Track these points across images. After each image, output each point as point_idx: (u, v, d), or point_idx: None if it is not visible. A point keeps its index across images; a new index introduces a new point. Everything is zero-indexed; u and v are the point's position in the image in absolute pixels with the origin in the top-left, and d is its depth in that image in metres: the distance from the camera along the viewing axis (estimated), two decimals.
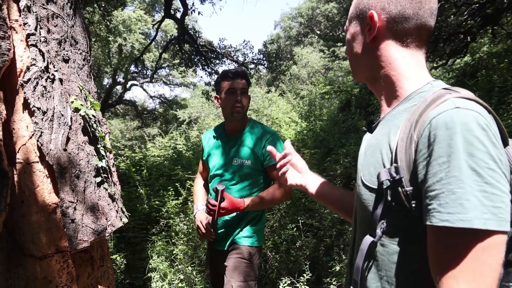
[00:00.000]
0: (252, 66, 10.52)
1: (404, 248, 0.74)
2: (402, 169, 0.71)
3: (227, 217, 2.02)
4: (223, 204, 1.83)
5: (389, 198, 0.73)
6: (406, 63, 0.83)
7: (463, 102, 0.66)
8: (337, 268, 2.66)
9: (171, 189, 4.56)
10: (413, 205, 0.69)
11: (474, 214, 0.59)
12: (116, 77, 19.08)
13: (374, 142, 0.84)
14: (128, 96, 22.28)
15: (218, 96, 2.11)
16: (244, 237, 2.01)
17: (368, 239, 0.77)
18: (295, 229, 3.37)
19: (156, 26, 10.10)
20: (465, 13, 6.76)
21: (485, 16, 6.23)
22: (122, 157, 7.81)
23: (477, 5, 6.34)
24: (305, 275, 2.73)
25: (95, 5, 9.07)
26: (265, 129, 2.08)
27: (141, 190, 4.82)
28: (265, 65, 10.79)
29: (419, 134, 0.68)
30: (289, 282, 2.79)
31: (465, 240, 0.61)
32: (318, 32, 25.36)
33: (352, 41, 0.91)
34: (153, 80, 20.49)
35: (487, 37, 7.97)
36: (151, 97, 21.81)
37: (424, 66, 0.84)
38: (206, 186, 2.31)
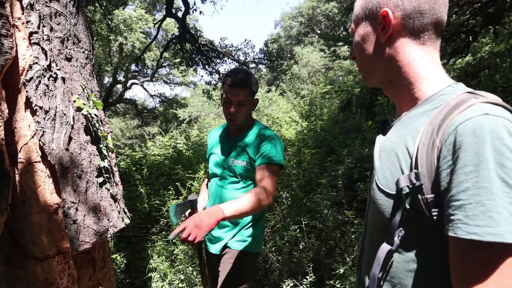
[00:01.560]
0: (253, 65, 10.50)
1: (421, 257, 0.71)
2: (422, 175, 0.68)
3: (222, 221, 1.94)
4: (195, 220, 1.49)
5: (407, 205, 0.70)
6: (424, 63, 0.79)
7: (491, 108, 0.63)
8: (341, 270, 2.63)
9: (172, 188, 4.54)
10: (434, 213, 0.67)
11: (505, 228, 0.56)
12: (117, 76, 19.07)
13: (388, 145, 0.81)
14: (128, 95, 22.33)
15: (222, 95, 1.99)
16: (238, 242, 1.94)
17: (385, 247, 0.74)
18: (298, 230, 3.35)
19: (157, 25, 10.08)
20: (467, 12, 6.74)
21: (487, 15, 6.21)
22: (122, 155, 7.80)
23: (479, 4, 6.32)
24: (308, 277, 2.70)
25: (97, 4, 9.05)
26: (265, 132, 1.98)
27: (141, 189, 4.80)
28: (266, 64, 10.77)
29: (443, 139, 0.65)
30: (292, 284, 2.77)
31: (492, 254, 0.58)
32: (319, 31, 25.33)
33: (362, 43, 0.86)
34: (153, 79, 20.48)
35: (489, 37, 7.95)
36: (151, 96, 21.79)
37: (440, 65, 0.81)
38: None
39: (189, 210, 1.78)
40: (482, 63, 7.96)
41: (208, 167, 2.30)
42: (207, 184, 2.27)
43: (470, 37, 6.90)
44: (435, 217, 0.66)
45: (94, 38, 11.30)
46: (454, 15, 6.59)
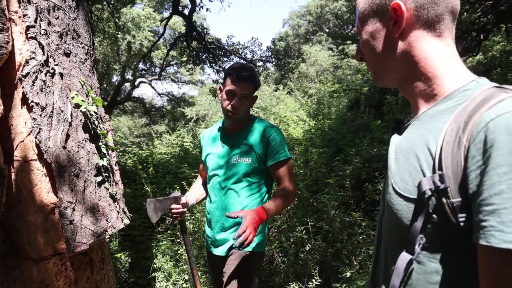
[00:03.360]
0: (260, 63, 10.44)
1: (445, 267, 0.65)
2: (447, 177, 0.61)
3: (225, 222, 1.93)
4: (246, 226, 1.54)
5: (430, 210, 0.64)
6: (442, 57, 0.73)
7: None
8: (348, 274, 2.57)
9: (177, 187, 4.51)
10: (461, 219, 0.60)
11: None
12: (125, 74, 19.14)
13: (406, 145, 0.74)
14: (136, 93, 22.35)
15: (221, 89, 1.97)
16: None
17: (405, 257, 0.68)
18: (304, 231, 3.29)
19: (164, 22, 10.07)
20: (478, 10, 6.61)
21: (499, 13, 6.08)
22: (130, 154, 7.81)
23: (490, 2, 6.19)
24: (314, 280, 2.64)
25: (104, 2, 9.06)
26: (266, 125, 1.96)
27: (147, 188, 4.79)
28: (273, 63, 10.70)
29: (471, 137, 0.59)
30: (297, 287, 2.71)
31: None
32: (327, 30, 25.18)
33: (372, 41, 0.80)
34: (161, 78, 20.53)
35: (501, 35, 7.79)
36: (159, 94, 21.88)
37: (459, 57, 0.75)
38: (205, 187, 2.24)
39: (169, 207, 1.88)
40: (494, 62, 7.82)
41: (200, 168, 2.27)
42: (204, 184, 2.23)
43: (482, 35, 6.78)
44: (462, 223, 0.60)
45: (102, 37, 11.35)
46: (465, 13, 6.46)
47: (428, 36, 0.74)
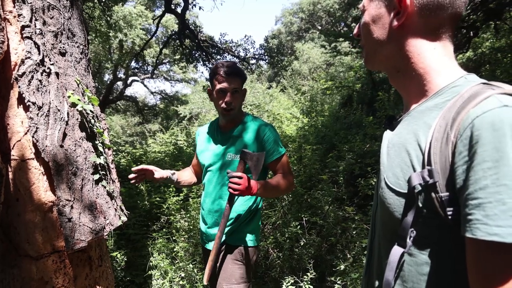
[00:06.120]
0: (254, 61, 10.45)
1: (435, 259, 0.67)
2: (436, 172, 0.63)
3: (218, 217, 1.94)
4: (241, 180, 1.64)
5: (420, 204, 0.66)
6: (436, 55, 0.74)
7: (510, 100, 0.59)
8: (342, 267, 2.61)
9: (172, 185, 4.51)
10: (449, 213, 0.62)
11: None
12: (117, 73, 19.01)
13: (397, 140, 0.76)
14: (129, 92, 22.28)
15: (211, 91, 2.02)
16: (236, 237, 1.94)
17: (397, 250, 0.70)
18: (298, 227, 3.33)
19: (156, 20, 10.02)
20: (468, 7, 6.69)
21: (488, 10, 6.16)
22: (123, 153, 7.79)
23: None
24: (309, 274, 2.68)
25: (95, 0, 8.99)
26: (260, 123, 2.00)
27: (141, 187, 4.79)
28: (266, 60, 10.72)
29: (458, 134, 0.61)
30: (292, 281, 2.75)
31: None
32: (319, 27, 25.22)
33: (372, 24, 0.80)
34: (154, 76, 20.43)
35: (490, 32, 7.90)
36: (152, 93, 21.77)
37: (453, 57, 0.76)
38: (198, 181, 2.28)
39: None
40: (483, 59, 7.93)
41: (193, 162, 2.28)
42: (197, 177, 2.28)
43: (471, 33, 6.86)
44: (450, 217, 0.62)
45: (94, 35, 11.26)
46: None
47: (426, 35, 0.74)
